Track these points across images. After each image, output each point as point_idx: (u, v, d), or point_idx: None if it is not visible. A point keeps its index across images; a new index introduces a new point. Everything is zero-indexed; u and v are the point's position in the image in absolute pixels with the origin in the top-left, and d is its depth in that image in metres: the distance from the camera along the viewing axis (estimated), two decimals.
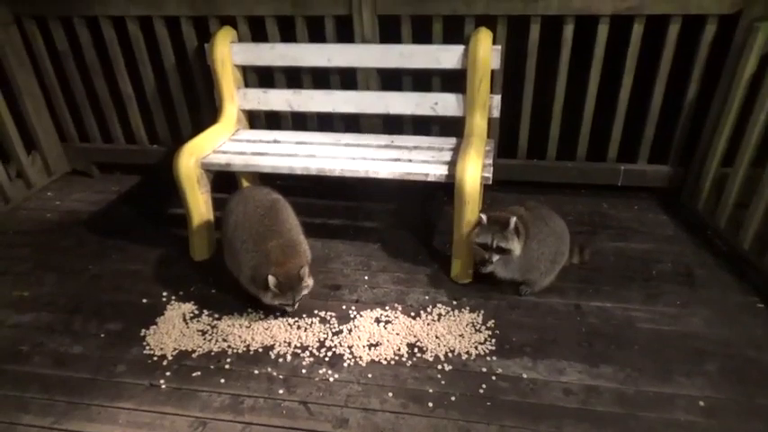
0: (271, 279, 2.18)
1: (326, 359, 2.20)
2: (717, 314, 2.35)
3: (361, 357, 2.20)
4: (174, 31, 3.12)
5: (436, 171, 2.49)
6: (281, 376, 2.14)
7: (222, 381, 2.12)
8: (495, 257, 2.31)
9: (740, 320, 2.31)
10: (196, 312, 2.46)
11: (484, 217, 2.31)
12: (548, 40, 2.82)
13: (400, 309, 2.44)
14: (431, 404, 2.00)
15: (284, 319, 2.39)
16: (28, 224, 3.21)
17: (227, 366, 2.19)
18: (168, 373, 2.16)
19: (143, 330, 2.37)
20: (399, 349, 2.23)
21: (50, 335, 2.38)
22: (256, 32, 3.03)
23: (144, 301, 2.55)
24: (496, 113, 2.83)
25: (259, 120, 3.24)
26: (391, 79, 2.99)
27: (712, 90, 2.76)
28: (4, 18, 3.18)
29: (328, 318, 2.40)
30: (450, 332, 2.30)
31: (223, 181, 2.90)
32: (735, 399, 1.98)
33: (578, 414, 1.94)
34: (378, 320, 2.38)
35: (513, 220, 2.25)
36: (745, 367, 2.10)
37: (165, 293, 2.58)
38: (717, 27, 2.65)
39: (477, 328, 2.32)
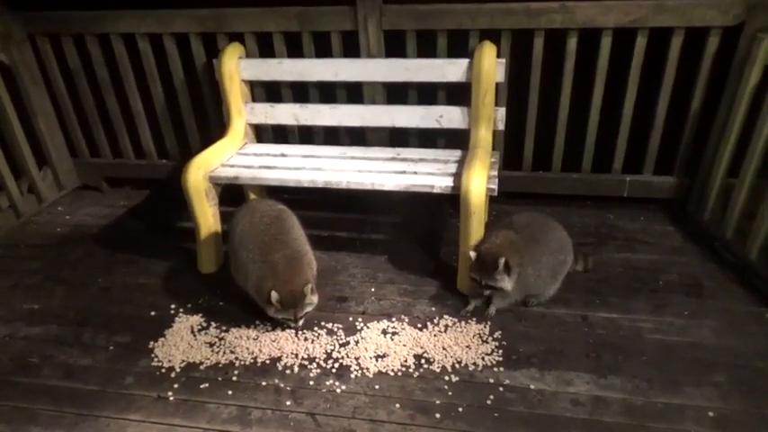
0: (274, 295, 2.19)
1: (334, 371, 2.21)
2: (725, 324, 2.34)
3: (368, 369, 2.20)
4: (184, 48, 3.17)
5: (442, 183, 2.51)
6: (288, 388, 2.14)
7: (230, 392, 2.13)
8: (487, 292, 2.32)
9: (749, 331, 2.30)
10: (204, 324, 2.48)
11: (473, 255, 2.30)
12: (552, 53, 2.85)
13: (407, 320, 2.44)
14: (438, 415, 1.99)
15: (291, 331, 2.40)
16: (38, 238, 3.24)
17: (234, 378, 2.19)
18: (176, 385, 2.17)
19: (151, 342, 2.38)
20: (406, 360, 2.23)
21: (60, 347, 2.40)
22: (264, 48, 3.08)
23: (152, 313, 2.57)
24: (501, 126, 2.85)
25: (266, 134, 3.28)
26: (397, 93, 3.03)
27: (717, 101, 2.77)
28: (18, 36, 3.25)
29: (335, 329, 2.41)
30: (457, 343, 2.30)
31: (231, 195, 2.93)
32: (745, 409, 1.96)
33: (586, 425, 1.93)
34: (384, 332, 2.38)
35: (502, 261, 2.22)
36: (755, 378, 2.08)
37: (173, 306, 2.60)
38: (720, 39, 2.67)
39: (484, 339, 2.32)
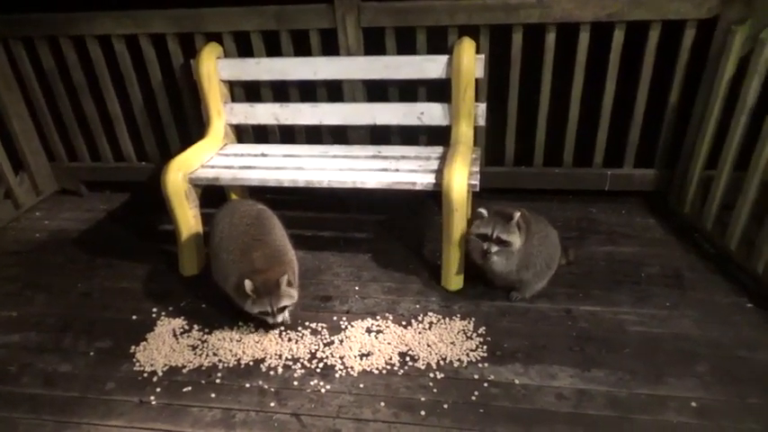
0: (247, 283, 2.16)
1: (318, 370, 2.19)
2: (706, 315, 2.36)
3: (352, 368, 2.19)
4: (161, 49, 3.13)
5: (423, 180, 2.50)
6: (272, 389, 2.13)
7: (213, 395, 2.11)
8: (495, 248, 2.28)
9: (730, 321, 2.32)
10: (186, 327, 2.45)
11: (485, 211, 2.30)
12: (531, 49, 2.86)
13: (391, 318, 2.44)
14: (423, 412, 1.99)
15: (275, 332, 2.38)
16: (16, 244, 3.19)
17: (217, 381, 2.17)
18: (158, 389, 2.15)
19: (133, 347, 2.36)
20: (391, 358, 2.22)
21: (39, 354, 2.36)
22: (242, 47, 3.05)
23: (134, 317, 2.53)
24: (482, 122, 2.86)
25: (247, 134, 3.25)
26: (377, 90, 3.02)
27: (694, 93, 2.80)
28: None
29: (319, 329, 2.40)
30: (442, 340, 2.29)
31: (212, 196, 2.90)
32: (727, 399, 1.98)
33: (571, 418, 1.94)
34: (369, 330, 2.38)
35: (518, 214, 2.25)
36: (737, 367, 2.11)
37: (154, 309, 2.57)
38: (696, 32, 2.69)
39: (469, 335, 2.32)
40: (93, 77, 3.28)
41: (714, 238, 2.73)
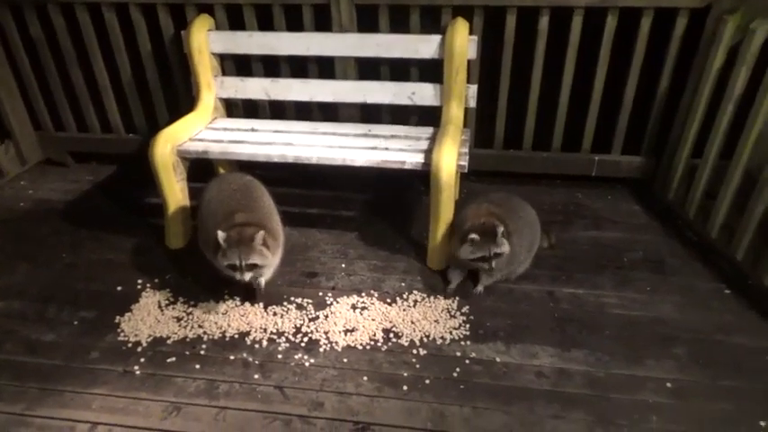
0: (220, 234, 2.10)
1: (302, 345, 2.21)
2: (686, 300, 2.40)
3: (336, 343, 2.21)
4: (151, 19, 3.09)
5: (413, 159, 2.51)
6: (256, 362, 2.14)
7: (197, 366, 2.12)
8: (494, 263, 2.27)
9: (708, 306, 2.37)
10: (171, 300, 2.45)
11: (476, 236, 2.23)
12: (524, 32, 2.86)
13: (376, 295, 2.46)
14: (405, 387, 2.02)
15: (260, 306, 2.39)
16: (0, 213, 3.16)
17: (202, 352, 2.19)
18: (143, 360, 2.16)
19: (117, 317, 2.36)
20: (375, 335, 2.24)
21: (23, 323, 2.36)
22: (234, 20, 3.02)
23: (119, 289, 2.53)
24: (473, 103, 2.86)
25: (236, 108, 3.22)
26: (369, 69, 3.00)
27: (684, 82, 2.82)
28: None
29: (305, 304, 2.41)
30: (426, 318, 2.32)
31: (200, 171, 2.88)
32: (701, 381, 2.03)
33: (550, 396, 1.98)
34: (354, 307, 2.39)
35: (501, 229, 2.22)
36: (712, 351, 2.15)
37: (140, 281, 2.56)
38: (687, 20, 2.70)
39: (452, 313, 2.34)
40: (82, 46, 3.23)
41: (696, 226, 2.77)
